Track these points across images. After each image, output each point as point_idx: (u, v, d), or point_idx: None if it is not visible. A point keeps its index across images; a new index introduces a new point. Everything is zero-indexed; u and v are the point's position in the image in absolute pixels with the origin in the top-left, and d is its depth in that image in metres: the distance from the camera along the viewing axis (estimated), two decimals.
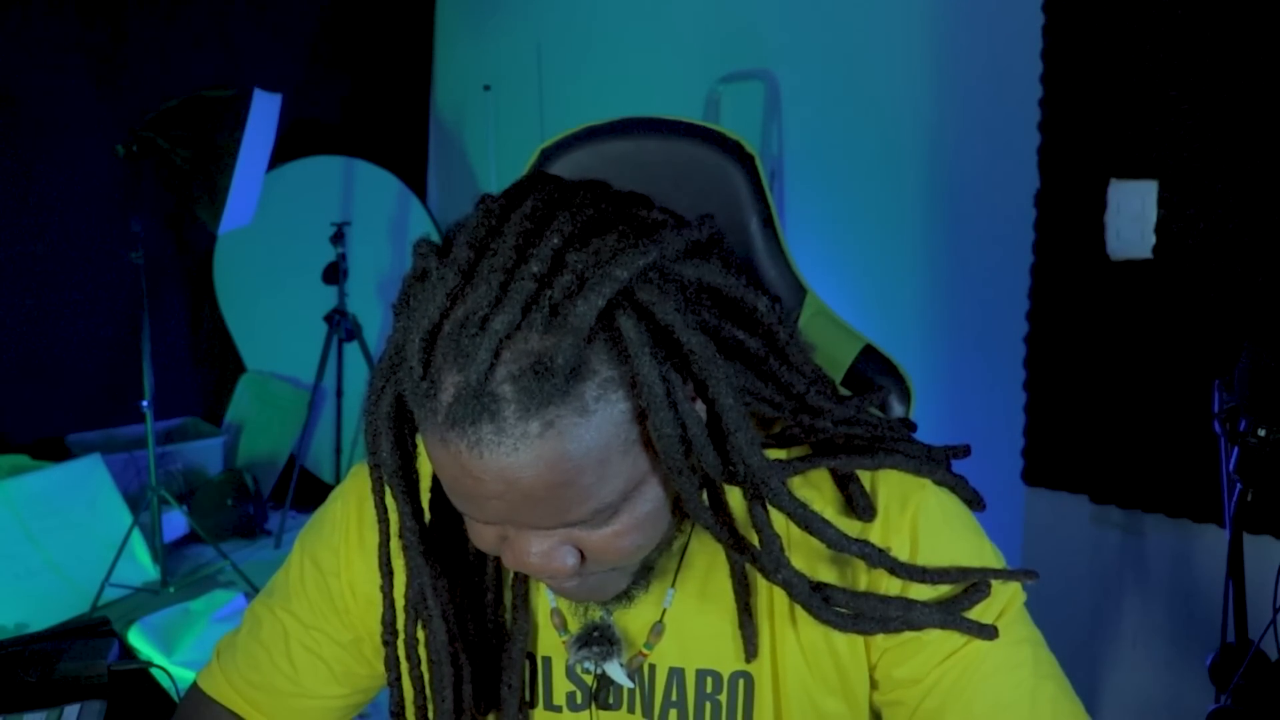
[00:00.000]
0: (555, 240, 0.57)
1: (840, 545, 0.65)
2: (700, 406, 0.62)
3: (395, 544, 0.73)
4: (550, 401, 0.54)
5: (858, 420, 0.70)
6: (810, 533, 0.65)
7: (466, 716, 0.74)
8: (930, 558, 0.69)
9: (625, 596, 0.70)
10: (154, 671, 1.12)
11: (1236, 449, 1.23)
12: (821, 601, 0.66)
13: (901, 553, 0.69)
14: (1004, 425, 1.90)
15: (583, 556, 0.63)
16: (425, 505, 0.72)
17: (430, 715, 0.75)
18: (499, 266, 0.56)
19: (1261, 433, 1.20)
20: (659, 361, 0.57)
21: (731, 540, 0.66)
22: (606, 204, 0.61)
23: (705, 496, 0.65)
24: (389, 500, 0.71)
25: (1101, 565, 1.79)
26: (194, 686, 0.88)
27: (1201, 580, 1.63)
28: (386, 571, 0.73)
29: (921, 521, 0.70)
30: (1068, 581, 1.84)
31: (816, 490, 0.72)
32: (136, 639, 2.61)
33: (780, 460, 0.68)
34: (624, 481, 0.59)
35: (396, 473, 0.67)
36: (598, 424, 0.56)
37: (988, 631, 0.67)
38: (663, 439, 0.58)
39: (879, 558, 0.66)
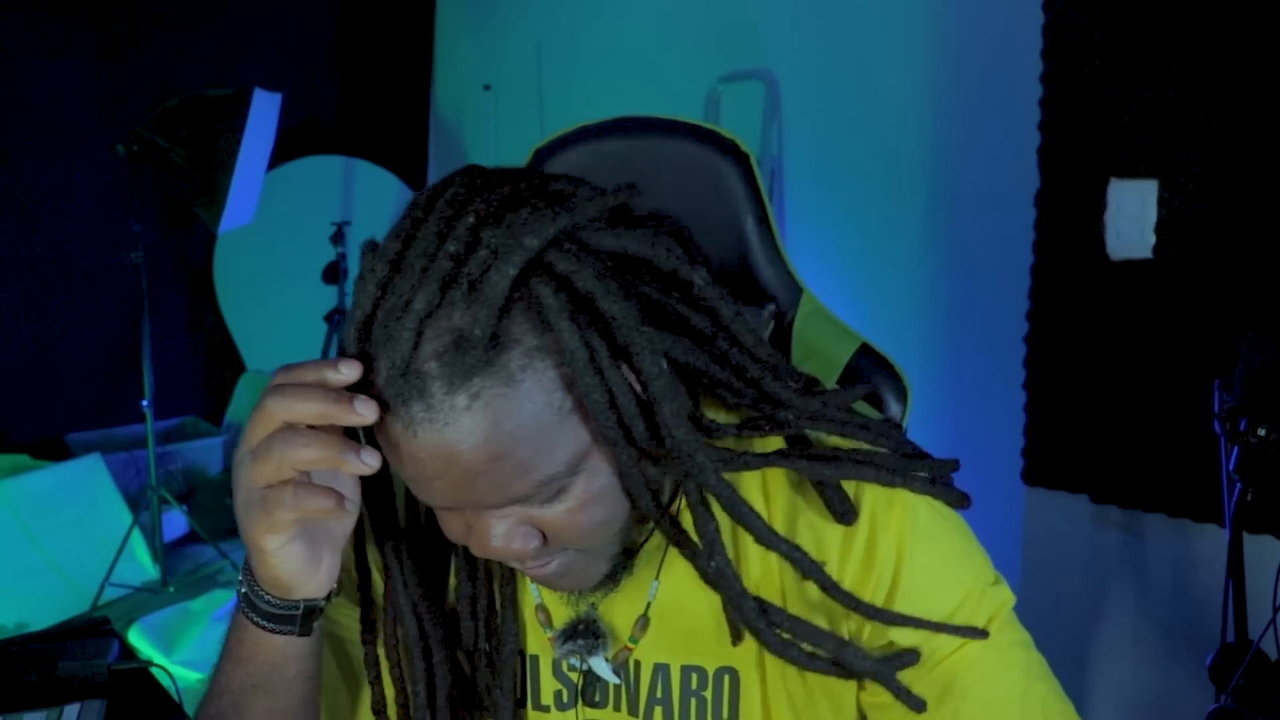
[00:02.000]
0: (470, 219, 0.58)
1: (768, 541, 0.64)
2: (632, 376, 0.61)
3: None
4: (474, 373, 0.55)
5: (825, 416, 0.66)
6: (737, 521, 0.64)
7: (444, 715, 0.73)
8: (916, 563, 0.69)
9: (610, 581, 0.69)
10: (154, 671, 1.12)
11: (1236, 449, 1.23)
12: (759, 612, 0.65)
13: (888, 555, 0.68)
14: (1004, 425, 1.90)
15: (545, 537, 0.63)
16: (400, 506, 0.72)
17: (411, 713, 0.74)
18: (421, 252, 0.57)
19: (1261, 432, 1.20)
20: (581, 327, 0.57)
21: (663, 519, 0.65)
22: (527, 181, 0.61)
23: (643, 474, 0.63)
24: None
25: (1101, 565, 1.79)
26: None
27: (1201, 580, 1.63)
28: (363, 570, 0.73)
29: (909, 523, 0.69)
30: (1068, 581, 1.84)
31: (803, 489, 0.71)
32: (136, 638, 2.61)
33: (718, 447, 0.64)
34: (567, 453, 0.60)
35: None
36: (527, 392, 0.57)
37: (916, 703, 0.67)
38: (591, 405, 0.58)
39: (808, 566, 0.65)
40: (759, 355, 0.66)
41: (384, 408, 0.57)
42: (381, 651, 0.74)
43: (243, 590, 0.67)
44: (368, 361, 0.58)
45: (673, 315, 0.64)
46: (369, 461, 0.59)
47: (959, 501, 0.71)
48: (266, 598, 0.66)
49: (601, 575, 0.68)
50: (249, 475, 0.61)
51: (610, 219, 0.62)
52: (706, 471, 0.62)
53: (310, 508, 0.60)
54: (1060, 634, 1.83)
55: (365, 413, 0.58)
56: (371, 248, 0.62)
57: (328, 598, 0.68)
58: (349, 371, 0.59)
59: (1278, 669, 1.23)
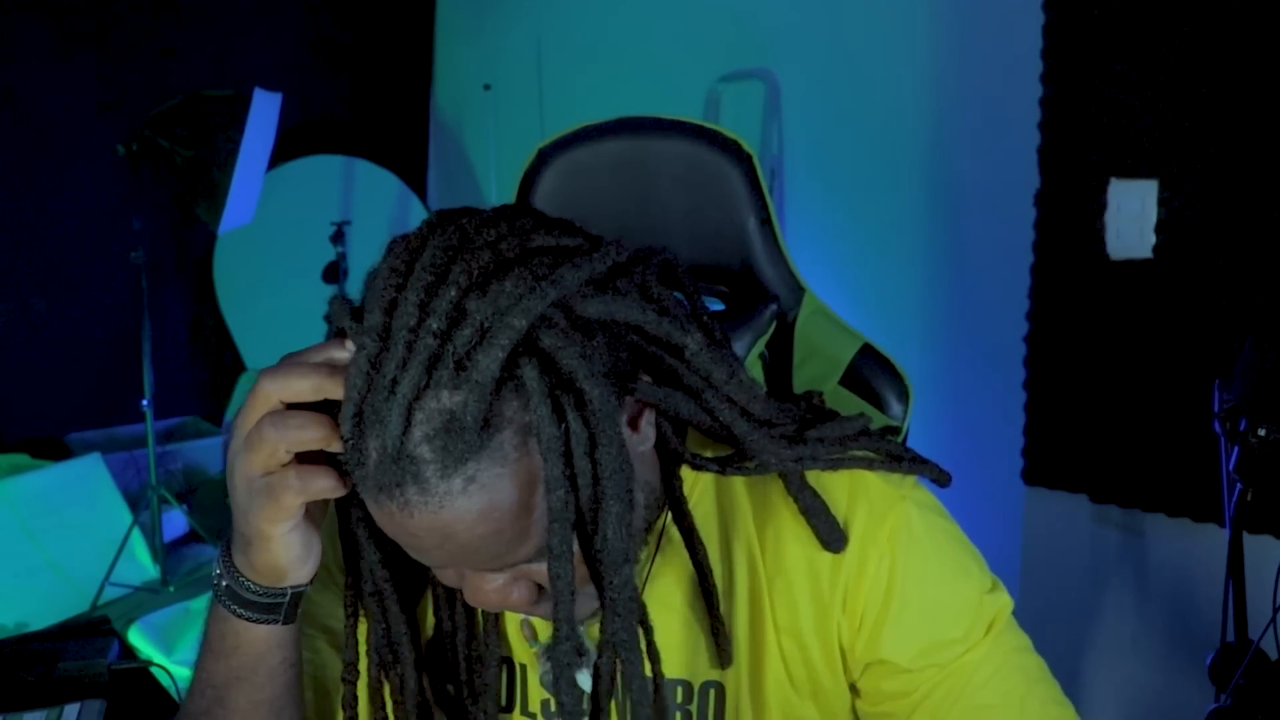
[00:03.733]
0: (452, 293, 0.56)
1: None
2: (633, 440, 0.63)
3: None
4: (468, 457, 0.54)
5: (812, 456, 0.67)
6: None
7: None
8: (910, 575, 0.68)
9: (589, 616, 0.69)
10: (154, 670, 1.12)
11: (1236, 449, 1.23)
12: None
13: (881, 569, 0.68)
14: (1004, 425, 1.90)
15: (540, 587, 0.63)
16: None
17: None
18: (404, 325, 0.56)
19: (1261, 432, 1.19)
20: (563, 410, 0.56)
21: (561, 612, 0.60)
22: (508, 241, 0.59)
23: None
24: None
25: (1101, 565, 1.79)
26: None
27: (1201, 580, 1.63)
28: (352, 611, 0.70)
29: (902, 537, 0.69)
30: (1067, 581, 1.84)
31: (797, 520, 0.70)
32: (136, 638, 2.61)
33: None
34: None
35: (361, 521, 0.66)
36: (521, 470, 0.56)
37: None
38: (551, 492, 0.56)
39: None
40: (753, 412, 0.66)
41: (376, 488, 0.56)
42: (363, 693, 0.72)
43: (223, 584, 0.66)
44: (358, 439, 0.56)
45: (666, 370, 0.63)
46: None
47: (938, 477, 0.71)
48: (253, 588, 0.65)
49: (590, 611, 0.68)
50: (246, 464, 0.61)
51: (598, 281, 0.60)
52: (621, 601, 0.60)
53: (316, 489, 0.60)
54: (1060, 634, 1.83)
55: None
56: (345, 308, 0.61)
57: (310, 582, 0.67)
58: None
59: (1278, 669, 1.23)
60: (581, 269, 0.58)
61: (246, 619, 0.66)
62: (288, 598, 0.66)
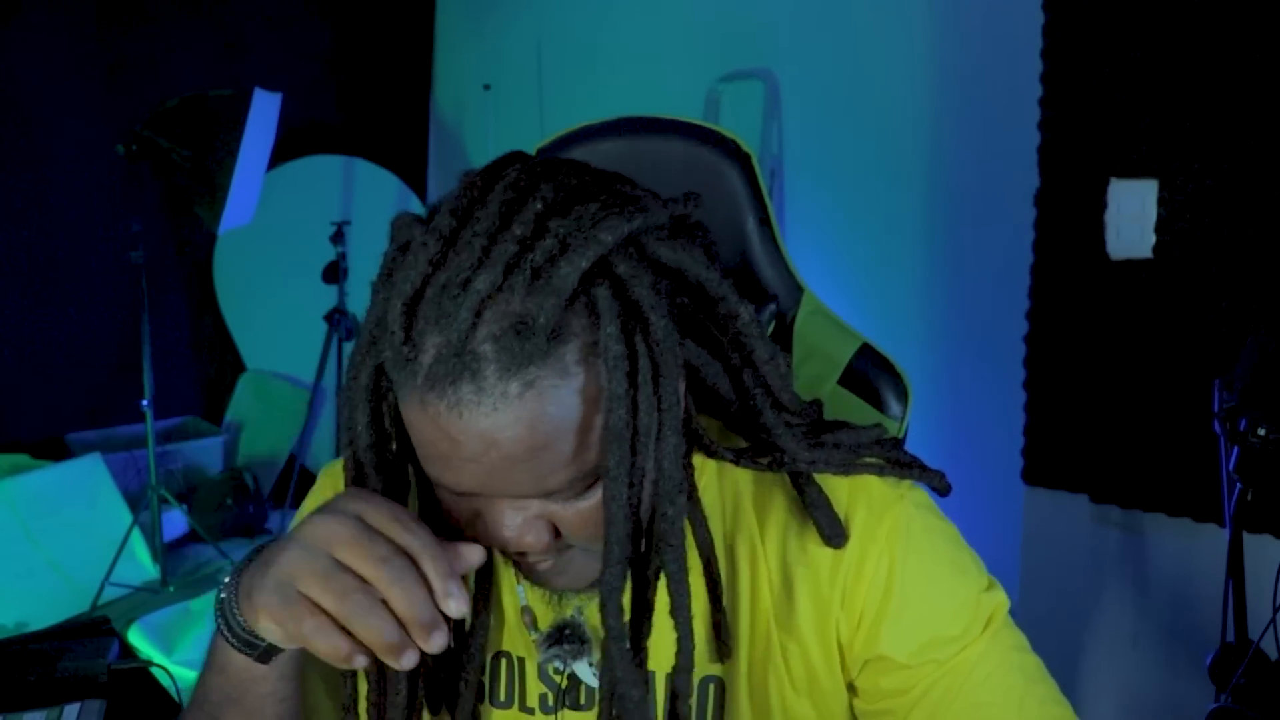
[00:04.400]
0: (538, 206, 0.57)
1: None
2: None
3: None
4: (531, 361, 0.54)
5: (826, 461, 0.68)
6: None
7: (419, 714, 0.71)
8: (909, 573, 0.69)
9: (597, 585, 0.69)
10: (154, 670, 1.12)
11: (1236, 448, 1.23)
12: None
13: (880, 566, 0.69)
14: (1004, 425, 1.90)
15: (557, 533, 0.62)
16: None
17: (384, 712, 0.73)
18: (482, 232, 0.56)
19: (1261, 432, 1.20)
20: (630, 333, 0.57)
21: (613, 535, 0.61)
22: (590, 175, 0.61)
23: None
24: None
25: (1101, 565, 1.79)
26: None
27: (1201, 580, 1.63)
28: None
29: (900, 535, 0.69)
30: (1068, 581, 1.84)
31: (799, 517, 0.71)
32: (136, 638, 2.61)
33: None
34: (603, 451, 0.59)
35: (370, 448, 0.64)
36: (578, 387, 0.56)
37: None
38: (613, 417, 0.57)
39: None
40: (781, 400, 0.67)
41: (428, 385, 0.55)
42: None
43: (222, 596, 0.64)
44: (413, 333, 0.56)
45: (710, 338, 0.64)
46: (409, 664, 0.55)
47: (940, 485, 0.72)
48: (240, 618, 0.63)
49: (594, 577, 0.67)
50: (298, 566, 0.57)
51: (670, 229, 0.62)
52: (676, 530, 0.61)
53: (323, 647, 0.56)
54: (1060, 634, 1.83)
55: (455, 610, 0.56)
56: (413, 219, 0.61)
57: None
58: (458, 608, 0.56)
59: (1278, 669, 1.23)
60: (666, 209, 0.60)
61: (229, 642, 0.64)
62: (265, 644, 0.63)
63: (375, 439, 0.65)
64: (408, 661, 0.56)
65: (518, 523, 0.61)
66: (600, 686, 0.65)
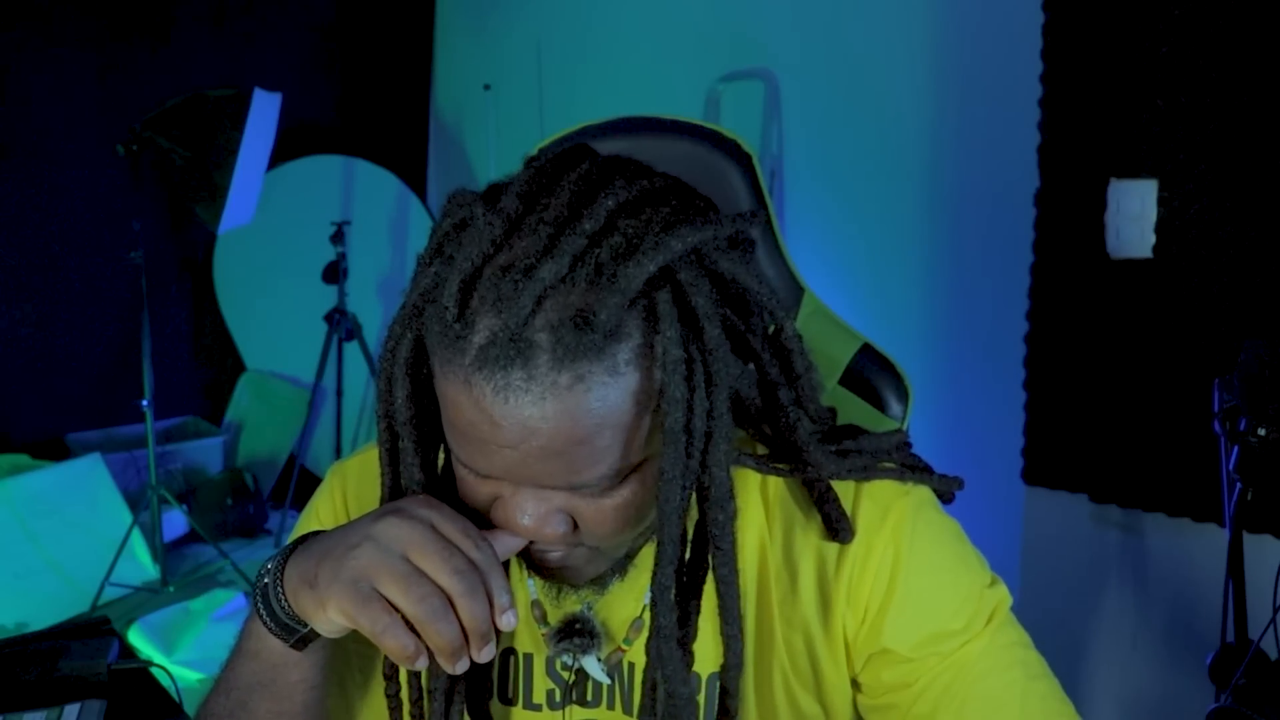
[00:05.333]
0: (610, 202, 0.57)
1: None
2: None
3: None
4: (585, 355, 0.55)
5: (850, 469, 0.69)
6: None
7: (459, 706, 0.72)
8: (913, 566, 0.69)
9: (600, 584, 0.69)
10: (154, 671, 1.12)
11: (1236, 448, 1.23)
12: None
13: (885, 559, 0.69)
14: (1004, 425, 1.90)
15: (575, 527, 0.62)
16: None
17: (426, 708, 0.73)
18: (550, 220, 0.56)
19: (1261, 432, 1.20)
20: (685, 339, 0.58)
21: (666, 535, 0.62)
22: (659, 178, 0.62)
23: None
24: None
25: (1101, 565, 1.79)
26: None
27: (1201, 580, 1.63)
28: None
29: (905, 530, 0.69)
30: (1068, 581, 1.84)
31: (800, 499, 0.72)
32: (136, 638, 2.61)
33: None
34: (638, 454, 0.60)
35: (409, 422, 0.64)
36: (626, 387, 0.57)
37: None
38: (671, 420, 0.58)
39: None
40: (813, 413, 0.68)
41: (477, 365, 0.55)
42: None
43: (265, 581, 0.65)
44: (467, 312, 0.56)
45: (750, 351, 0.64)
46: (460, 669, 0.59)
47: (953, 485, 0.73)
48: (285, 604, 0.64)
49: (598, 574, 0.68)
50: (376, 565, 0.59)
51: (729, 241, 0.62)
52: (727, 534, 0.62)
53: (392, 645, 0.58)
54: (1060, 634, 1.83)
55: (508, 625, 0.59)
56: (475, 197, 0.60)
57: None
58: (510, 623, 0.59)
59: (1278, 669, 1.23)
60: (733, 224, 0.61)
61: (268, 628, 0.65)
62: (306, 629, 0.64)
63: (414, 413, 0.65)
64: (461, 666, 0.58)
65: (541, 512, 0.61)
66: (642, 684, 0.67)
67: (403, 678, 0.71)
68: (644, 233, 0.57)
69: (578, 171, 0.60)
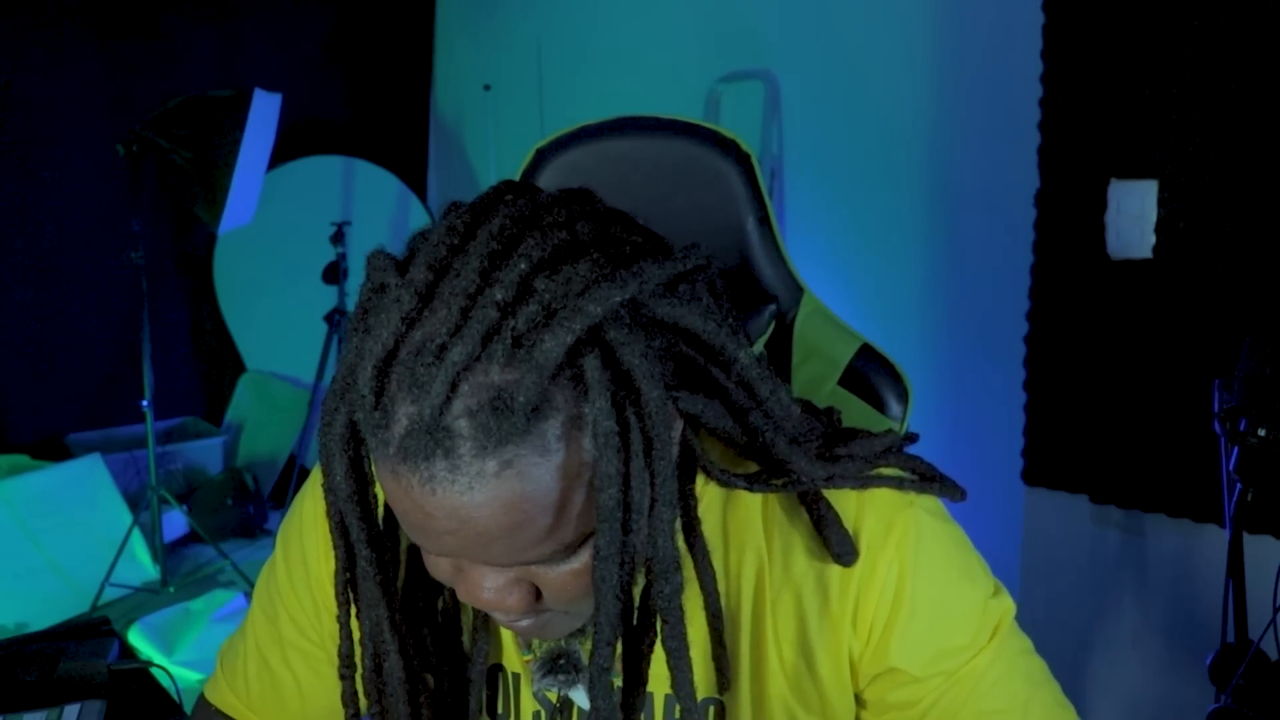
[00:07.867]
0: (523, 265, 0.52)
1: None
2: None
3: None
4: (509, 440, 0.51)
5: (842, 475, 0.67)
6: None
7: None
8: (919, 581, 0.68)
9: (580, 633, 0.68)
10: (154, 671, 1.12)
11: (1236, 449, 1.23)
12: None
13: (889, 574, 0.67)
14: (1004, 425, 1.90)
15: (538, 594, 0.60)
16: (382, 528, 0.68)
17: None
18: (460, 290, 0.52)
19: (1261, 433, 1.20)
20: (620, 407, 0.53)
21: (603, 617, 0.58)
22: (583, 224, 0.56)
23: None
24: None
25: (1101, 565, 1.79)
26: (201, 698, 0.88)
27: (1201, 580, 1.63)
28: (343, 602, 0.67)
29: (910, 543, 0.68)
30: (1067, 581, 1.84)
31: (807, 533, 0.70)
32: (136, 639, 2.61)
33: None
34: (585, 522, 0.56)
35: (351, 498, 0.61)
36: (559, 464, 0.53)
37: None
38: (604, 490, 0.54)
39: None
40: (788, 430, 0.65)
41: (400, 457, 0.52)
42: (360, 687, 0.70)
43: None
44: (384, 399, 0.52)
45: (711, 382, 0.62)
46: None
47: (954, 496, 0.70)
48: None
49: (572, 630, 0.67)
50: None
51: (669, 283, 0.58)
52: (675, 604, 0.60)
53: None
54: (1060, 634, 1.83)
55: None
56: (389, 262, 0.56)
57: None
58: None
59: (1278, 669, 1.23)
60: (664, 268, 0.56)
61: None
62: None
63: (356, 489, 0.62)
64: None
65: (499, 584, 0.59)
66: None
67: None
68: (563, 295, 0.52)
69: (490, 228, 0.54)
